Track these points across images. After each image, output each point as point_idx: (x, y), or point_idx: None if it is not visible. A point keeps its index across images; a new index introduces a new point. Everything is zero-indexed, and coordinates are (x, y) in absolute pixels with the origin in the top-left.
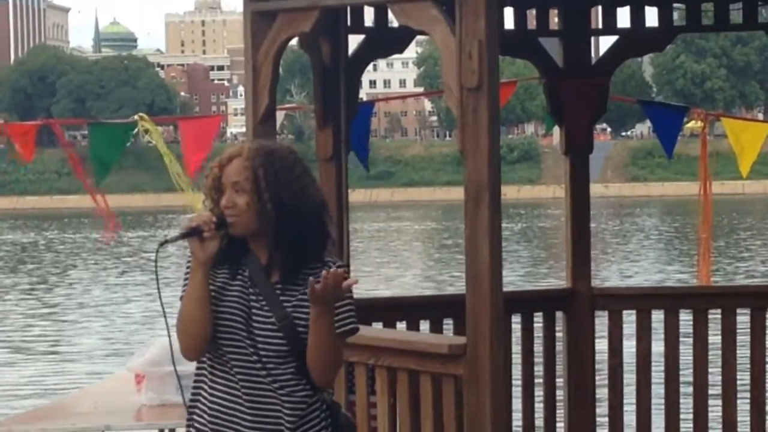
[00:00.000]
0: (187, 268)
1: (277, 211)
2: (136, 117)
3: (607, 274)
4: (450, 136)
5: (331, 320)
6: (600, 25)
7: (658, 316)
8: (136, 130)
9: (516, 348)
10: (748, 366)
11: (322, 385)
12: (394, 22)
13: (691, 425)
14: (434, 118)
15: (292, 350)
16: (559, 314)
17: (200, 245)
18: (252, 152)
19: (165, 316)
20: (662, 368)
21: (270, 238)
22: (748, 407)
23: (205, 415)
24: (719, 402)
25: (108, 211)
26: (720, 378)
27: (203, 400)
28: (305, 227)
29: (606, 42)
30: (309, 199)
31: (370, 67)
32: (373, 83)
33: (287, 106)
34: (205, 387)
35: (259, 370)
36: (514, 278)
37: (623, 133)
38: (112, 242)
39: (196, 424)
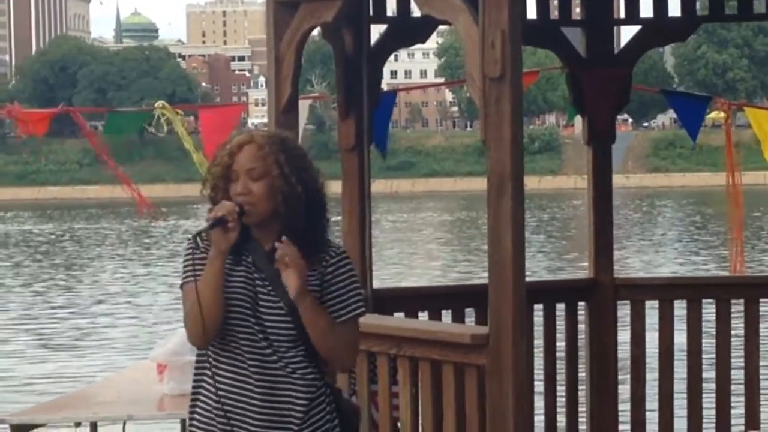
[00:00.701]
0: (186, 257)
1: (306, 194)
2: (156, 105)
3: (630, 263)
4: (471, 126)
5: (317, 308)
6: (623, 15)
7: (680, 306)
8: (155, 117)
9: (538, 338)
10: None
11: (344, 371)
12: (416, 11)
13: (714, 415)
14: (455, 108)
15: (301, 334)
16: (581, 304)
17: (223, 234)
18: (268, 139)
19: (200, 307)
20: (685, 358)
21: (296, 222)
22: None
23: (211, 402)
24: (742, 392)
25: (138, 194)
26: (743, 368)
27: (208, 387)
28: (319, 212)
29: (628, 32)
30: (321, 185)
31: (391, 57)
32: (393, 73)
33: (308, 95)
34: (208, 374)
35: (270, 355)
36: (536, 269)
37: (644, 124)
38: (154, 216)
39: (200, 410)
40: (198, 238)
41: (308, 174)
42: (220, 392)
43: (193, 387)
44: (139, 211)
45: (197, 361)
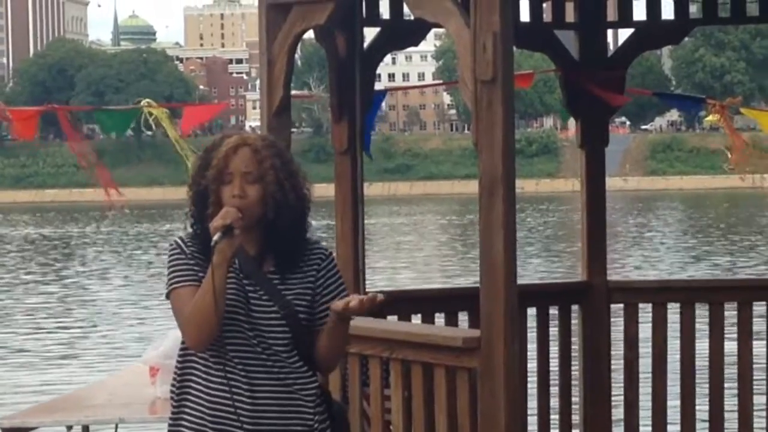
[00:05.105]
0: (174, 262)
1: (297, 201)
2: (142, 102)
3: (626, 267)
4: (469, 129)
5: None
6: (616, 18)
7: (674, 310)
8: (143, 116)
9: (532, 342)
10: (764, 359)
11: (328, 373)
12: (410, 14)
13: (707, 418)
14: (453, 111)
15: (296, 338)
16: (574, 307)
17: (228, 241)
18: (263, 143)
19: (217, 314)
20: (678, 361)
21: (284, 229)
22: (764, 400)
23: (204, 410)
24: (735, 395)
25: (105, 175)
26: (735, 371)
27: (195, 393)
28: (304, 217)
29: (624, 35)
30: (307, 191)
31: (389, 60)
32: (392, 76)
33: (299, 93)
34: (198, 380)
35: (265, 361)
36: (531, 272)
37: (642, 127)
38: (119, 205)
39: (188, 416)
40: (183, 244)
41: (298, 180)
42: (211, 397)
43: (178, 389)
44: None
45: (182, 365)
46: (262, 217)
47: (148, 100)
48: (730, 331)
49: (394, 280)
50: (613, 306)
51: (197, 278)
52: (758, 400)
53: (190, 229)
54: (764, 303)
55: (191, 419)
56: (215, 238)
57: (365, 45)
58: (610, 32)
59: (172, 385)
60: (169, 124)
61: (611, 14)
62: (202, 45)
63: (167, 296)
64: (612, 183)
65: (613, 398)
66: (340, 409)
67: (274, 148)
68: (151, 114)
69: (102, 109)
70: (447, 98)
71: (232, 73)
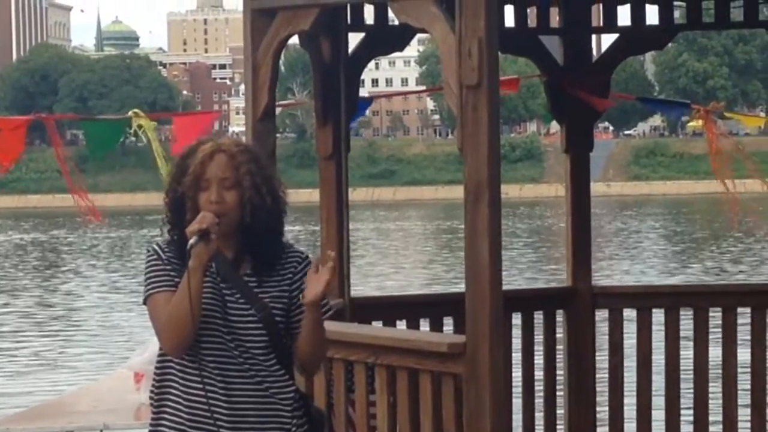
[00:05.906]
0: (151, 268)
1: (274, 205)
2: (130, 113)
3: (610, 272)
4: (452, 134)
5: (322, 319)
6: (600, 23)
7: (658, 315)
8: (132, 129)
9: (516, 347)
10: (749, 365)
11: (313, 375)
12: (394, 19)
13: (692, 424)
14: (436, 116)
15: (273, 341)
16: (559, 313)
17: (204, 246)
18: (238, 149)
19: (193, 319)
20: (663, 367)
21: (261, 233)
22: (748, 406)
23: (182, 414)
24: (720, 401)
25: (86, 200)
26: (720, 377)
27: (174, 398)
28: (280, 220)
29: (609, 40)
30: (283, 195)
31: (372, 65)
32: (375, 82)
33: (285, 102)
34: (176, 385)
35: (241, 364)
36: (518, 278)
37: (625, 132)
38: (100, 220)
39: (167, 422)
40: (160, 250)
41: (274, 184)
42: (189, 401)
43: (157, 394)
44: (85, 220)
45: (161, 370)
46: (240, 222)
47: (136, 110)
48: (715, 337)
49: (379, 285)
50: (597, 311)
51: (174, 284)
52: (743, 405)
53: (167, 236)
54: (749, 308)
55: (170, 424)
56: (191, 241)
57: (350, 50)
58: (594, 37)
59: (151, 391)
60: (155, 139)
61: (596, 20)
62: (185, 50)
63: (144, 302)
64: (595, 188)
65: (597, 404)
66: (319, 414)
67: (249, 153)
68: (141, 127)
69: (90, 119)
70: (431, 104)
71: (215, 79)
